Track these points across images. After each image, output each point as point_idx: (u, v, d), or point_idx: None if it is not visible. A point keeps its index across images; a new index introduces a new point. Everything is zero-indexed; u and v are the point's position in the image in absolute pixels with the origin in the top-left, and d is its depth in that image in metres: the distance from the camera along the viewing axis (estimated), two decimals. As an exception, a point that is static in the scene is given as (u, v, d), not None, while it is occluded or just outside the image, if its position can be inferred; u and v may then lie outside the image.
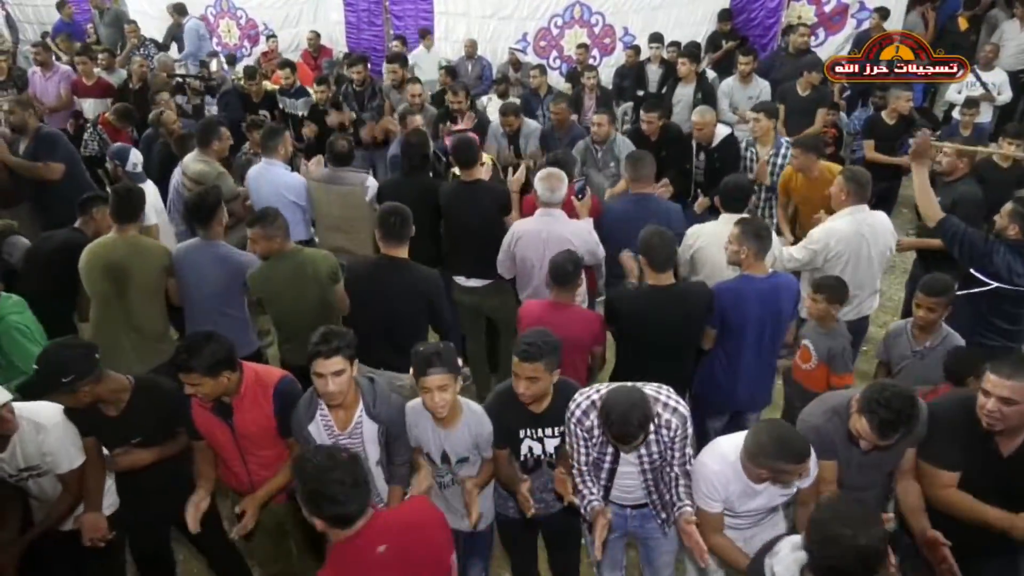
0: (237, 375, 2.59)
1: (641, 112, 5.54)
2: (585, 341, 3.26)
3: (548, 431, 2.72)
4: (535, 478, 2.82)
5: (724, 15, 8.36)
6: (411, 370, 2.55)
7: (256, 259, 3.54)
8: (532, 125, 5.63)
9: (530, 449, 2.76)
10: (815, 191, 4.42)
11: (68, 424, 2.67)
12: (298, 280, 3.41)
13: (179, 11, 9.88)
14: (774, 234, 3.86)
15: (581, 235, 3.76)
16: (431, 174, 4.75)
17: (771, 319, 3.30)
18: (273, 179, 4.46)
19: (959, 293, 3.39)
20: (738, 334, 3.29)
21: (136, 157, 4.75)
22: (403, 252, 3.41)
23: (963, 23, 8.28)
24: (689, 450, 2.63)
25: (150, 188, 4.65)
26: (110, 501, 2.86)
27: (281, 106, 6.84)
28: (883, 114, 5.88)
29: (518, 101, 7.24)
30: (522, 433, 2.73)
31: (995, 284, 3.40)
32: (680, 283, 3.34)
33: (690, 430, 2.61)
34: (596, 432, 2.56)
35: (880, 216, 3.91)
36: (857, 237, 3.76)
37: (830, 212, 3.96)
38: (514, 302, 4.02)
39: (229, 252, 3.59)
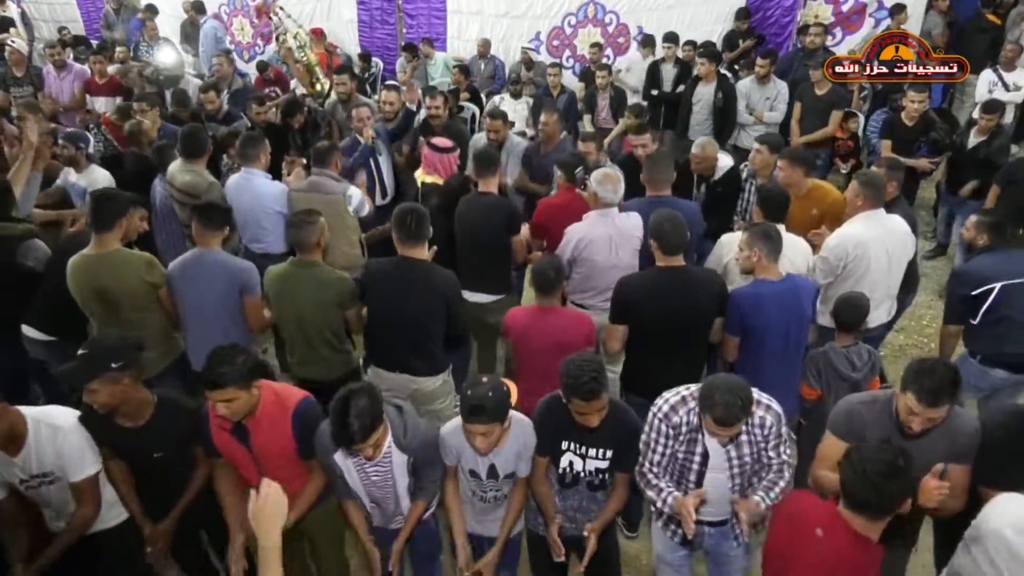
0: (257, 393, 2.54)
1: (630, 136, 5.01)
2: (577, 343, 3.20)
3: (593, 451, 2.66)
4: (571, 496, 2.77)
5: (742, 14, 8.26)
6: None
7: (251, 265, 3.51)
8: (516, 141, 5.34)
9: (570, 463, 2.70)
10: (802, 211, 4.06)
11: (84, 430, 2.65)
12: (306, 291, 3.36)
13: (197, 8, 9.88)
14: (808, 247, 3.81)
15: (640, 227, 3.80)
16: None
17: (793, 321, 3.24)
18: (253, 189, 4.28)
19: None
20: (759, 339, 3.22)
21: (91, 142, 5.02)
22: (421, 253, 3.35)
23: (995, 19, 8.10)
24: (788, 452, 2.56)
25: (105, 174, 4.78)
26: (116, 512, 2.83)
27: (210, 132, 5.67)
28: (902, 115, 5.79)
29: (531, 101, 7.23)
30: (564, 444, 2.68)
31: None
32: (690, 267, 3.30)
33: (785, 430, 2.55)
34: (684, 429, 2.52)
35: (897, 220, 3.81)
36: (874, 242, 3.68)
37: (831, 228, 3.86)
38: None
39: (227, 258, 3.53)
